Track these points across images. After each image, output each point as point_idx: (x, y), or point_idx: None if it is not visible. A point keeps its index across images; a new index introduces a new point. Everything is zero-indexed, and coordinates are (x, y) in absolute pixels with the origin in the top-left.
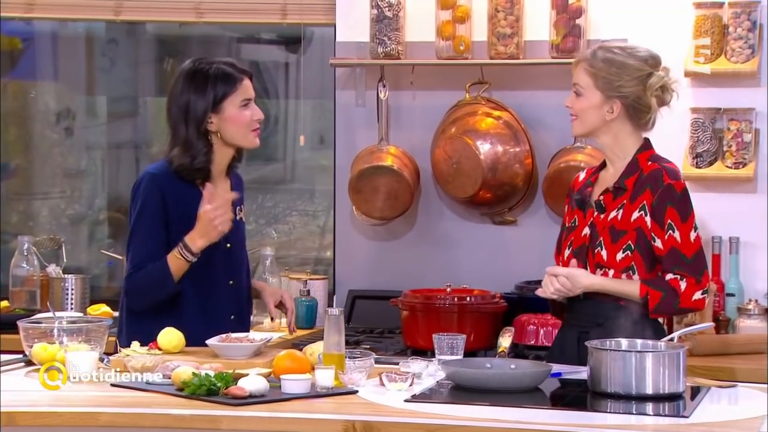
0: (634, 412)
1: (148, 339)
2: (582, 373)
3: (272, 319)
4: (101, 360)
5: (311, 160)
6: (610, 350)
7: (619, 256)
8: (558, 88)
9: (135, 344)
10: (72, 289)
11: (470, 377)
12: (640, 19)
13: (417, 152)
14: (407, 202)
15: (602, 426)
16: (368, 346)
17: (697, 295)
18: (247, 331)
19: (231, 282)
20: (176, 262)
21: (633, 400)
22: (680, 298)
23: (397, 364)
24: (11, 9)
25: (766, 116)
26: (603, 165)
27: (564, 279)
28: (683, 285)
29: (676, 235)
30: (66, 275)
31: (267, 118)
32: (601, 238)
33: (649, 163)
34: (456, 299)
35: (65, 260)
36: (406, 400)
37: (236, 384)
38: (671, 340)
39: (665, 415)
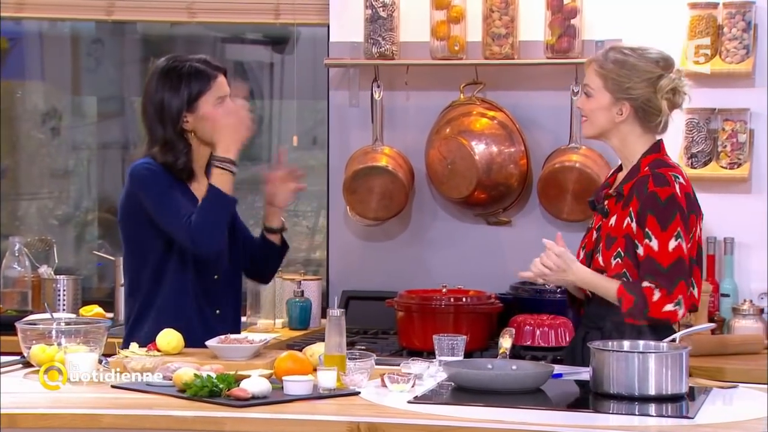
0: (637, 413)
1: (138, 337)
2: (583, 373)
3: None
4: (99, 362)
5: (300, 161)
6: (613, 351)
7: (613, 262)
8: (553, 89)
9: (133, 345)
10: (64, 290)
11: (473, 378)
12: (634, 19)
13: (411, 153)
14: (402, 203)
15: (605, 427)
16: (363, 347)
17: (668, 307)
18: (234, 324)
19: (215, 277)
20: (220, 179)
21: (636, 401)
22: (649, 307)
23: (396, 365)
24: (2, 8)
25: (761, 116)
26: (621, 166)
27: (556, 258)
28: (656, 295)
29: (653, 243)
30: (58, 276)
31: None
32: (601, 244)
33: (646, 168)
34: (452, 300)
35: (57, 261)
36: (409, 402)
37: (238, 385)
38: (673, 340)
39: (669, 416)
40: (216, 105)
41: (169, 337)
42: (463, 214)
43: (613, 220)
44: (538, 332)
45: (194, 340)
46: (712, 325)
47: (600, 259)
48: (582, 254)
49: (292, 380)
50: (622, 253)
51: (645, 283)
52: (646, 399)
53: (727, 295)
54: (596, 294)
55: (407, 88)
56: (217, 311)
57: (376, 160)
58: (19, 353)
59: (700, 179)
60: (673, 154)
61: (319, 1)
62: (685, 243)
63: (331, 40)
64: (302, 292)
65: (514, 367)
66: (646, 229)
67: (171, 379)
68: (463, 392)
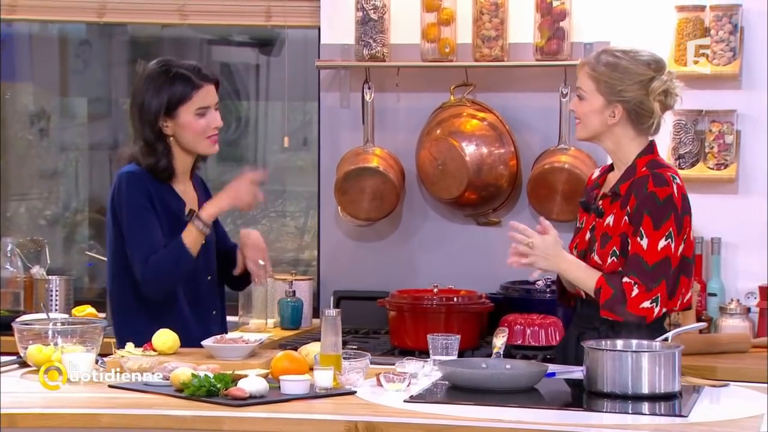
0: (631, 412)
1: (139, 339)
2: (576, 372)
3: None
4: (96, 361)
5: (288, 161)
6: (606, 350)
7: (608, 261)
8: (542, 90)
9: (129, 345)
10: (56, 291)
11: (467, 378)
12: (623, 21)
13: (402, 154)
14: (393, 203)
15: (599, 426)
16: (355, 347)
17: (645, 304)
18: (223, 324)
19: (209, 277)
20: (189, 234)
21: (629, 399)
22: (627, 302)
23: (388, 364)
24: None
25: (748, 118)
26: (611, 166)
27: (549, 237)
28: (634, 291)
29: (644, 242)
30: (50, 276)
31: (238, 120)
32: (596, 244)
33: (644, 168)
34: (443, 300)
35: (49, 261)
36: (405, 401)
37: (235, 385)
38: (666, 339)
39: (662, 415)
40: (197, 115)
41: (165, 337)
42: (453, 214)
43: (610, 220)
44: (528, 331)
45: (189, 340)
46: (703, 324)
47: (596, 257)
48: (575, 254)
49: (289, 380)
50: (618, 252)
51: (625, 279)
52: (639, 398)
53: (715, 295)
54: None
55: (398, 90)
56: (214, 312)
57: (368, 161)
58: (14, 353)
59: (687, 180)
60: (661, 155)
61: (310, 4)
62: (675, 244)
63: (322, 42)
64: (294, 292)
65: (508, 367)
66: (640, 228)
67: (168, 379)
68: (458, 391)
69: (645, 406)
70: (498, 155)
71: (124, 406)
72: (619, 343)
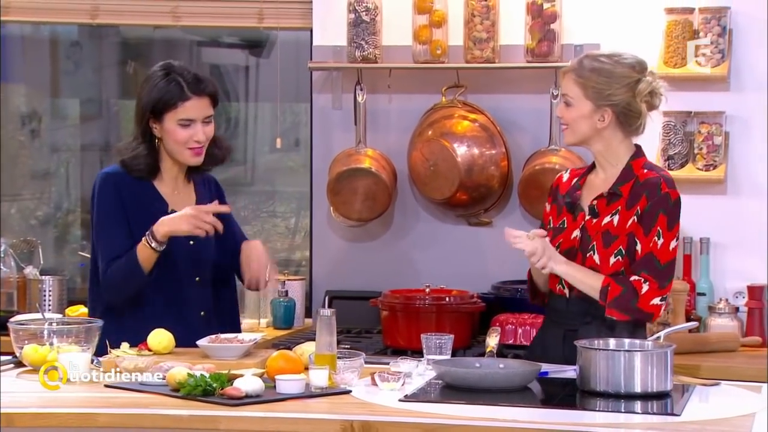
0: (623, 411)
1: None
2: (568, 372)
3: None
4: (91, 361)
5: (279, 162)
6: (599, 349)
7: (611, 260)
8: (533, 92)
9: (124, 345)
10: (50, 291)
11: (461, 377)
12: (612, 23)
13: (394, 154)
14: (385, 204)
15: (592, 424)
16: (348, 346)
17: (656, 301)
18: (222, 326)
19: (197, 279)
20: (143, 250)
21: (622, 398)
22: (639, 298)
23: (381, 363)
24: None
25: (737, 119)
26: (590, 168)
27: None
28: (645, 287)
29: (660, 242)
30: (43, 277)
31: (228, 121)
32: (594, 243)
33: (645, 170)
34: (435, 299)
35: (42, 262)
36: (400, 400)
37: (231, 384)
38: (658, 339)
39: (654, 413)
40: (179, 125)
41: (160, 337)
42: (445, 214)
43: (614, 219)
44: (520, 331)
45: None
46: (695, 324)
47: (595, 257)
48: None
49: (285, 379)
50: (624, 251)
51: (634, 277)
52: (632, 397)
53: (704, 294)
54: (576, 291)
55: (390, 91)
56: (202, 313)
57: (360, 162)
58: (10, 353)
59: (676, 180)
60: (651, 156)
61: (302, 6)
62: (677, 245)
63: (314, 43)
64: (286, 292)
65: (501, 366)
66: (657, 228)
67: (165, 378)
68: (452, 390)
69: (637, 405)
70: (489, 156)
71: (120, 405)
72: (612, 343)
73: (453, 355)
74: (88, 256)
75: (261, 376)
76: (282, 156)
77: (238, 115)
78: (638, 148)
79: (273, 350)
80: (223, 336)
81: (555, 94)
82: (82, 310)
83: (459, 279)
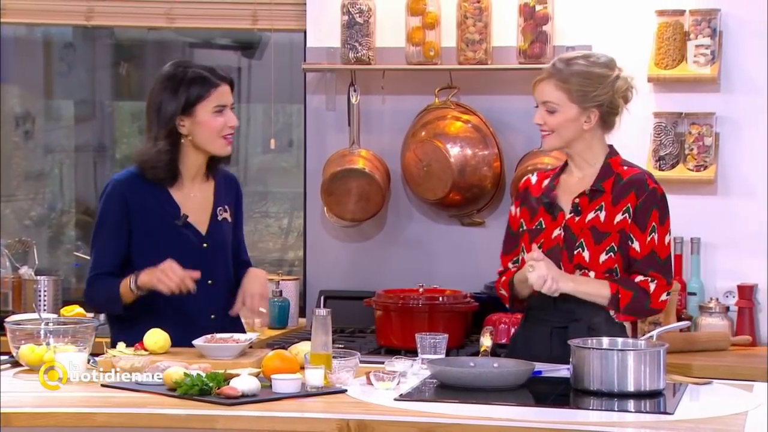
0: (617, 410)
1: (127, 339)
2: (561, 371)
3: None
4: (87, 361)
5: (271, 163)
6: (593, 348)
7: (603, 257)
8: (525, 93)
9: (121, 345)
10: (45, 291)
11: (456, 376)
12: (604, 26)
13: (387, 155)
14: (378, 204)
15: (586, 423)
16: (342, 346)
17: (664, 296)
18: (234, 329)
19: (209, 281)
20: (125, 288)
21: (615, 397)
22: (651, 298)
23: (375, 363)
24: None
25: (727, 120)
26: (562, 169)
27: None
28: (653, 286)
29: (656, 237)
30: (38, 277)
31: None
32: (582, 240)
33: (625, 167)
34: (429, 299)
35: (37, 262)
36: (396, 399)
37: (227, 384)
38: (651, 338)
39: (647, 412)
40: (214, 113)
41: (156, 337)
42: (438, 215)
43: (602, 216)
44: (512, 330)
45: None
46: (687, 323)
47: (586, 255)
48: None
49: (281, 378)
50: (616, 248)
51: (639, 278)
52: (625, 395)
53: (694, 294)
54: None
55: (383, 93)
56: (212, 316)
57: (354, 163)
58: (6, 353)
59: (667, 181)
60: (642, 156)
61: (296, 8)
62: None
63: (308, 45)
64: (281, 291)
65: (495, 365)
66: (653, 224)
67: (161, 378)
68: (446, 389)
69: (631, 404)
70: (482, 157)
71: (118, 405)
72: (605, 342)
73: (446, 354)
74: (83, 256)
75: (257, 375)
76: (275, 157)
77: None
78: (611, 147)
79: (268, 350)
80: (218, 336)
81: None
82: (78, 310)
83: (452, 279)
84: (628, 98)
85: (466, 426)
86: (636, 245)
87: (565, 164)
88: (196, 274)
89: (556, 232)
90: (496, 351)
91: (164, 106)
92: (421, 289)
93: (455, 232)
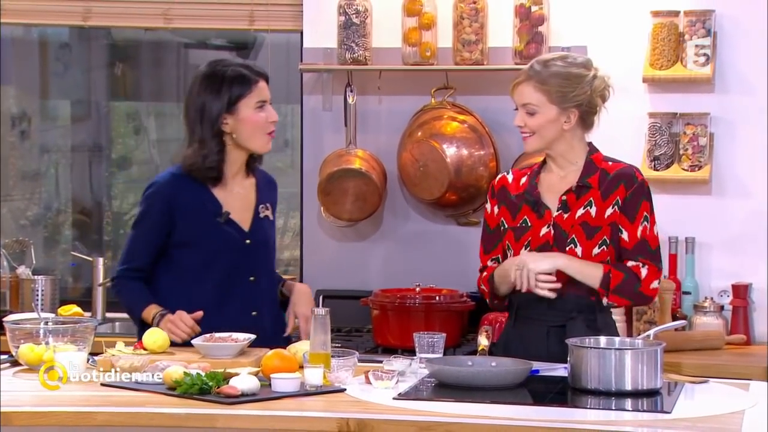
0: (614, 408)
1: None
2: (559, 370)
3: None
4: (87, 360)
5: (267, 163)
6: (591, 347)
7: (595, 251)
8: None
9: (120, 344)
10: (42, 290)
11: (454, 375)
12: (599, 26)
13: (384, 155)
14: (375, 204)
15: (584, 422)
16: (339, 345)
17: (654, 284)
18: (276, 327)
19: (251, 278)
20: (147, 314)
21: (613, 396)
22: (641, 282)
23: (372, 362)
24: None
25: (722, 120)
26: (540, 167)
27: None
28: (644, 272)
29: (648, 227)
30: (36, 276)
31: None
32: (573, 236)
33: (610, 163)
34: (426, 298)
35: (34, 262)
36: (394, 398)
37: (227, 383)
38: (648, 337)
39: (645, 411)
40: (256, 109)
41: (155, 336)
42: (434, 215)
43: (592, 211)
44: None
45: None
46: (683, 322)
47: (578, 250)
48: (525, 252)
49: (280, 378)
50: (608, 241)
51: (631, 263)
52: (622, 394)
53: (689, 293)
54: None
55: (380, 93)
56: (253, 312)
57: (350, 163)
58: (5, 352)
59: (662, 181)
60: (637, 156)
61: (292, 8)
62: None
63: (304, 45)
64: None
65: (493, 364)
66: (644, 213)
67: (161, 377)
68: (445, 388)
69: (628, 403)
70: (478, 157)
71: (118, 404)
72: (603, 341)
73: (444, 353)
74: (81, 256)
75: (256, 374)
76: (270, 156)
77: None
78: (591, 144)
79: (267, 349)
80: (217, 335)
81: None
82: (75, 309)
83: (448, 278)
84: (606, 97)
85: (464, 425)
86: (625, 235)
87: (544, 162)
88: (199, 314)
89: (545, 229)
90: (492, 350)
91: (208, 106)
92: (417, 289)
93: (452, 232)
